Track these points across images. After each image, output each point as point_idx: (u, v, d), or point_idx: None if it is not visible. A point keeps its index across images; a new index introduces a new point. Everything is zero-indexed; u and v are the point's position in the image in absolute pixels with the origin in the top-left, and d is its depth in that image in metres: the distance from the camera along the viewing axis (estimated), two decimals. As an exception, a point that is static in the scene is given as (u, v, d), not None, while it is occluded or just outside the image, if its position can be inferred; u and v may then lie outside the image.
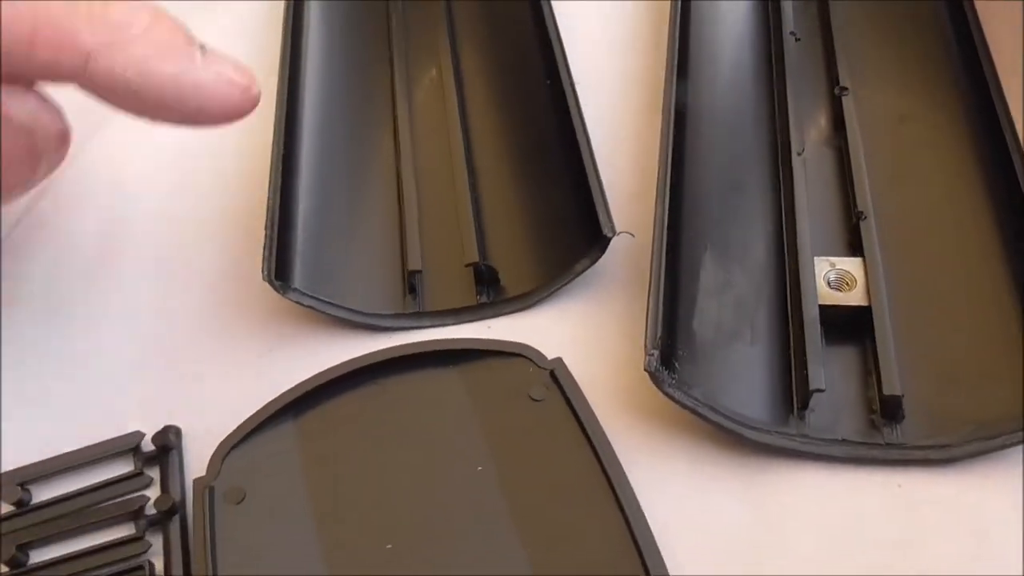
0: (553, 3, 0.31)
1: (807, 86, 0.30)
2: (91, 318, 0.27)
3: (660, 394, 0.22)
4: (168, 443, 0.24)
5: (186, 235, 0.29)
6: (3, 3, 0.19)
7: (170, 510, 0.23)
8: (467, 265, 0.26)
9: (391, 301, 0.26)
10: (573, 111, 0.27)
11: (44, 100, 0.22)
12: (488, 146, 0.30)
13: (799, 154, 0.27)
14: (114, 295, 0.28)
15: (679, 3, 0.30)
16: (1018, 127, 0.26)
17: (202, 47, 0.22)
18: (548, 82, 0.29)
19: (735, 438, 0.22)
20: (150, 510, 0.23)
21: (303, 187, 0.28)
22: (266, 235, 0.25)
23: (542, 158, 0.28)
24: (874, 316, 0.23)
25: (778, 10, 0.31)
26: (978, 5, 0.30)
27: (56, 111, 0.22)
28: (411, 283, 0.26)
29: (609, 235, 0.24)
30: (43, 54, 0.20)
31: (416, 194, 0.28)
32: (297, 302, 0.25)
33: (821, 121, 0.29)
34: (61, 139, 0.23)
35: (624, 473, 0.21)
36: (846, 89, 0.29)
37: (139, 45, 0.21)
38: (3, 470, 0.24)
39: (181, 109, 0.22)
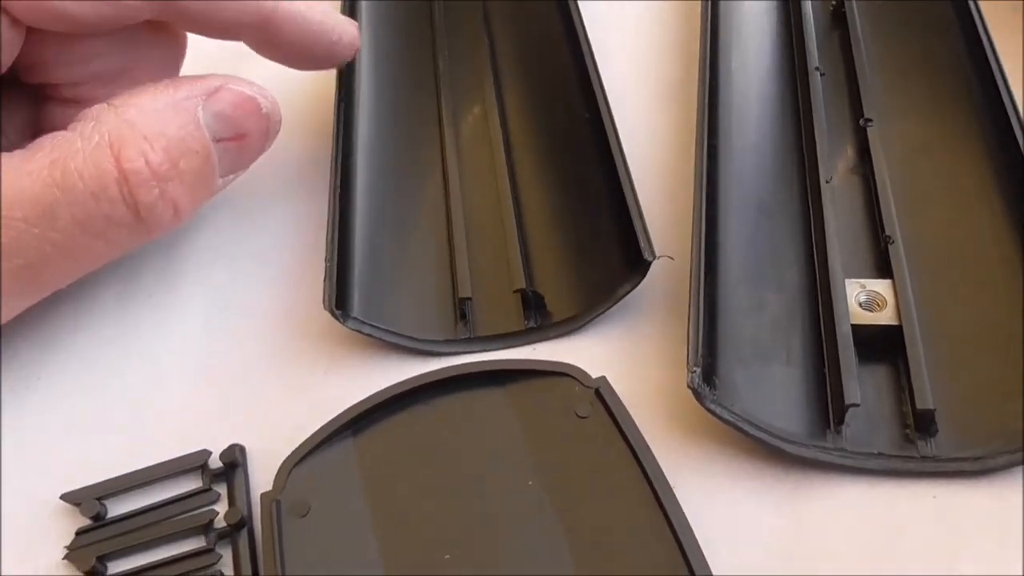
0: (591, 37, 0.32)
1: (833, 118, 0.31)
2: (157, 345, 0.29)
3: (701, 410, 0.23)
4: (234, 460, 0.25)
5: (246, 265, 0.30)
6: None
7: (239, 523, 0.24)
8: (515, 291, 0.27)
9: (443, 327, 0.27)
10: (612, 141, 0.28)
11: (270, 95, 0.27)
12: (532, 176, 0.31)
13: (827, 182, 0.29)
14: (177, 324, 0.29)
15: (708, 41, 0.32)
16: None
17: None
18: (587, 115, 0.30)
19: (774, 452, 0.23)
20: (219, 523, 0.24)
21: (359, 219, 0.29)
22: (326, 267, 0.27)
23: (583, 187, 0.30)
24: (905, 334, 0.24)
25: (803, 47, 0.33)
26: (995, 36, 0.31)
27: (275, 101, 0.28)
28: (462, 310, 0.28)
29: (649, 259, 0.26)
30: None
31: (464, 224, 0.29)
32: (356, 330, 0.27)
33: (847, 151, 0.31)
34: (278, 124, 0.28)
35: (669, 485, 0.22)
36: (871, 120, 0.30)
37: None
38: (82, 486, 0.25)
39: (329, 36, 0.29)
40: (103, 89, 0.27)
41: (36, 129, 0.28)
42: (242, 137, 0.26)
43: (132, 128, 0.24)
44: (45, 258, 0.24)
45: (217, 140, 0.26)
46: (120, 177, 0.23)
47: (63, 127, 0.25)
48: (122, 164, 0.23)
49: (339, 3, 0.37)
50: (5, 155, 0.23)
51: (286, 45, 0.29)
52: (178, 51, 0.29)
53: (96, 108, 0.24)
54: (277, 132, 0.28)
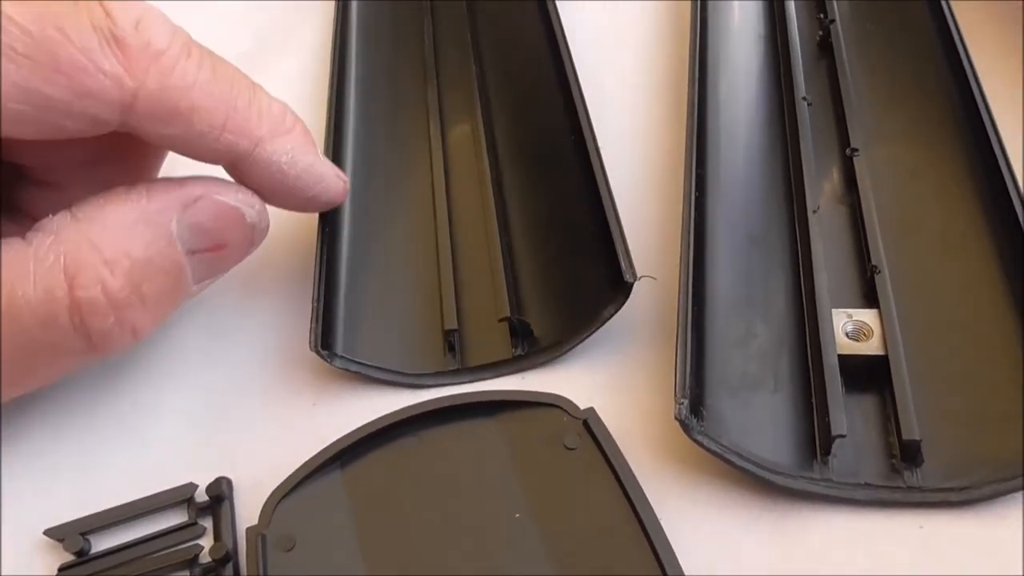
0: (577, 63, 0.32)
1: (820, 148, 0.31)
2: (147, 378, 0.28)
3: (689, 441, 0.23)
4: (221, 494, 0.25)
5: (235, 299, 0.30)
6: (202, 96, 0.23)
7: (224, 558, 0.24)
8: (500, 320, 0.27)
9: (431, 359, 0.27)
10: (595, 164, 0.28)
11: (260, 200, 0.26)
12: (518, 201, 0.31)
13: (814, 211, 0.29)
14: (165, 357, 0.29)
15: (696, 70, 0.32)
16: (1019, 177, 0.27)
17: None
18: (572, 139, 0.30)
19: (762, 483, 0.23)
20: (204, 558, 0.24)
21: (345, 255, 0.30)
22: (313, 308, 0.27)
23: (569, 213, 0.30)
24: (891, 364, 0.25)
25: (790, 77, 0.33)
26: (978, 64, 0.31)
27: (264, 207, 0.26)
28: (449, 341, 0.28)
29: (630, 280, 0.26)
30: (229, 137, 0.24)
31: (451, 255, 0.29)
32: (344, 368, 0.27)
33: (834, 180, 0.31)
34: (264, 231, 0.26)
35: (656, 517, 0.22)
36: (857, 150, 0.31)
37: (290, 137, 0.25)
38: (66, 521, 0.25)
39: (305, 193, 0.26)
40: (80, 173, 0.26)
41: (13, 203, 0.26)
42: (222, 247, 0.25)
43: (92, 249, 0.22)
44: None
45: (192, 252, 0.24)
46: (72, 306, 0.22)
47: (39, 207, 0.23)
48: (75, 292, 0.22)
49: (330, 33, 0.37)
50: None
51: (256, 186, 0.26)
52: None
53: (58, 219, 0.22)
54: (264, 236, 0.26)
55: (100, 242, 0.22)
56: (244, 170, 0.25)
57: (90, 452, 0.27)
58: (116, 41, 0.21)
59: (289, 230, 0.32)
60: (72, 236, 0.22)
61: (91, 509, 0.25)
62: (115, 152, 0.26)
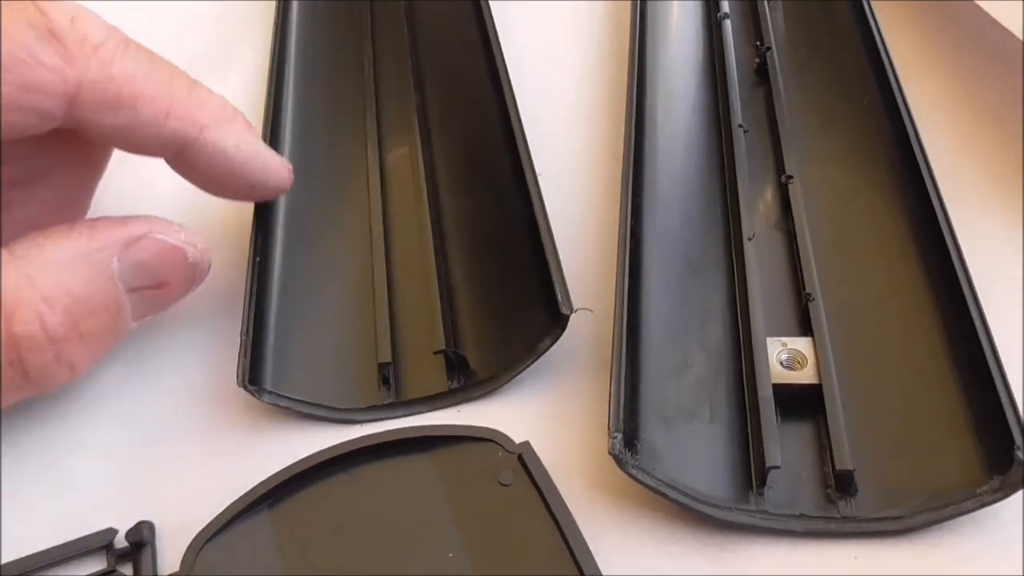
0: (518, 91, 0.32)
1: (756, 174, 0.32)
2: (64, 414, 0.27)
3: (624, 474, 0.23)
4: (142, 539, 0.24)
5: (161, 331, 0.29)
6: (144, 85, 0.24)
7: (144, 607, 0.23)
8: (435, 353, 0.27)
9: (365, 393, 0.27)
10: (533, 195, 0.28)
11: (202, 239, 0.26)
12: (456, 231, 0.31)
13: (750, 239, 0.29)
14: (86, 391, 0.28)
15: (634, 98, 0.32)
16: (948, 206, 0.28)
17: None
18: (511, 170, 0.30)
19: (698, 516, 0.23)
20: (124, 607, 0.23)
21: (276, 287, 0.29)
22: (242, 341, 0.26)
23: (506, 245, 0.29)
24: (824, 394, 0.25)
25: (727, 104, 0.33)
26: (908, 91, 0.32)
27: (207, 246, 0.26)
28: (384, 374, 0.27)
29: (566, 312, 0.25)
30: (173, 124, 0.25)
31: (387, 285, 0.29)
32: (273, 404, 0.26)
33: (770, 207, 0.31)
34: (206, 270, 0.27)
35: (592, 556, 0.22)
36: (791, 177, 0.31)
37: (234, 124, 0.27)
38: (-24, 571, 0.24)
39: (252, 179, 0.27)
40: (18, 192, 0.26)
41: None
42: (163, 285, 0.25)
43: (31, 286, 0.22)
44: None
45: (133, 290, 0.24)
46: (9, 342, 0.22)
47: None
48: (13, 328, 0.21)
49: (267, 57, 0.36)
50: None
51: (202, 176, 0.27)
52: (100, 156, 0.28)
53: None
54: (205, 275, 0.26)
55: (39, 279, 0.22)
56: (190, 158, 0.26)
57: (2, 495, 0.26)
58: (53, 35, 0.22)
59: (219, 256, 0.31)
60: (11, 273, 0.22)
61: (2, 557, 0.24)
62: (54, 170, 0.26)
